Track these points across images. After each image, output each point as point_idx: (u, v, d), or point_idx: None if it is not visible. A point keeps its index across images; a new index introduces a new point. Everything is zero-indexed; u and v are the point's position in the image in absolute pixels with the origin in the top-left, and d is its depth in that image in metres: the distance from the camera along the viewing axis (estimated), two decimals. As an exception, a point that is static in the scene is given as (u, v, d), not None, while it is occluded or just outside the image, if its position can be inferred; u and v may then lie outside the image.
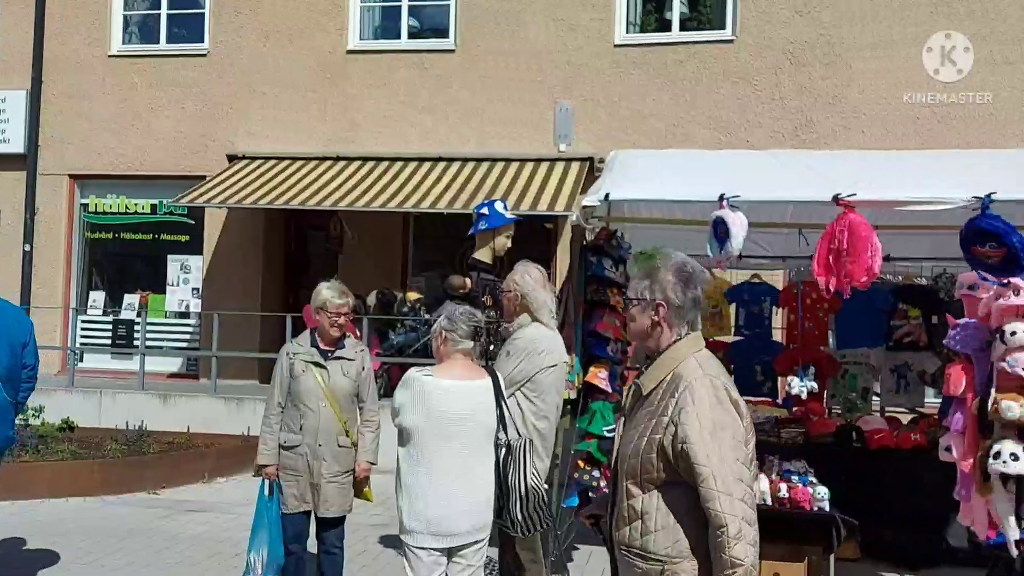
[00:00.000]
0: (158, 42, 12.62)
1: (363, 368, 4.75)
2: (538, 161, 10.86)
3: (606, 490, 5.47)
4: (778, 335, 7.75)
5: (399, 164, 11.12)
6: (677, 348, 2.44)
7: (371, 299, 10.97)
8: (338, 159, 11.39)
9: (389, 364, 10.17)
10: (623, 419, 2.58)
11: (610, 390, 5.57)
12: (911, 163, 6.26)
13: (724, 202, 4.77)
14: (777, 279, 8.39)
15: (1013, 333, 4.12)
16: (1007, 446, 4.13)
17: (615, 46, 11.02)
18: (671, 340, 2.46)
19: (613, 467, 2.57)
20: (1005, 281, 4.18)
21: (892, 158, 6.81)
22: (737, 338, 7.69)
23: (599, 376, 5.52)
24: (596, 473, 5.44)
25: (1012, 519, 4.25)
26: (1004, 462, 4.12)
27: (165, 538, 6.55)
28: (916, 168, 5.90)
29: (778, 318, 7.85)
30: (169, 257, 12.52)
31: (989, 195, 4.41)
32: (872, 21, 10.34)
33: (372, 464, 4.76)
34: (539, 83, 11.19)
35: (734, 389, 2.40)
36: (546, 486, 3.70)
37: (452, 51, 11.52)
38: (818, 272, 4.60)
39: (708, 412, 2.30)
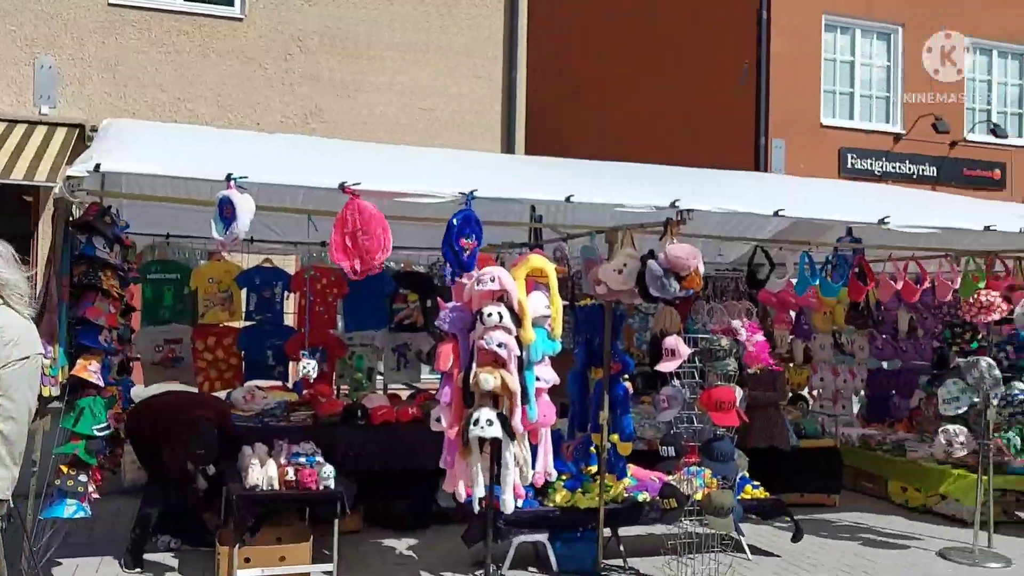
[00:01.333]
0: None
1: None
2: (12, 123, 9.32)
3: (95, 496, 4.96)
4: (291, 320, 7.81)
5: None
6: None
7: None
8: None
9: None
10: None
11: (102, 383, 5.00)
12: (412, 157, 6.77)
13: (232, 182, 4.60)
14: (290, 264, 8.45)
15: (489, 315, 4.74)
16: (484, 413, 4.73)
17: (109, 5, 9.95)
18: None
19: None
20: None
21: (397, 152, 7.29)
22: (248, 323, 7.57)
23: (89, 369, 4.92)
24: (83, 478, 4.86)
25: (482, 478, 4.87)
26: (482, 427, 4.71)
27: None
28: (415, 163, 6.39)
29: (291, 303, 7.90)
30: None
31: (472, 192, 4.97)
32: (374, 22, 10.95)
33: None
34: (14, 33, 9.60)
35: None
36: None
37: None
38: (338, 258, 4.70)
39: None
